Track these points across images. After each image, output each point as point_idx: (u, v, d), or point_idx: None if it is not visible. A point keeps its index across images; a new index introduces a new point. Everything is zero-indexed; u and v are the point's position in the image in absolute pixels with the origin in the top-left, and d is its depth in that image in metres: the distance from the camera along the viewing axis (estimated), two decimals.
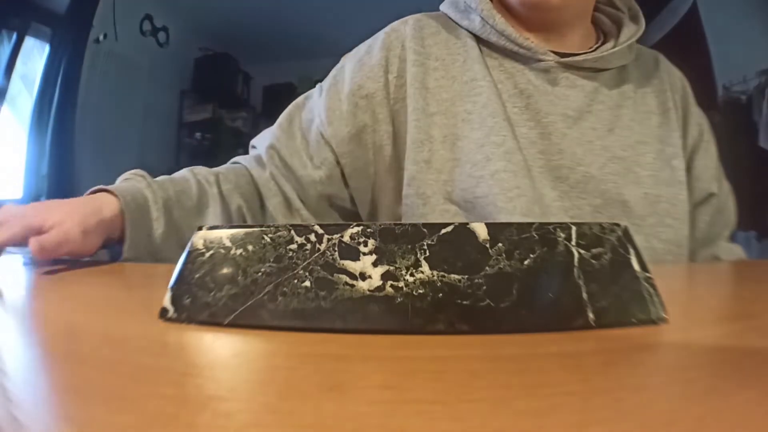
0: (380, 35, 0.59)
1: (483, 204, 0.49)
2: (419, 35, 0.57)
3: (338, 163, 0.57)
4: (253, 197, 0.58)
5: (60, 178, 2.35)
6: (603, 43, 0.59)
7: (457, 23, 0.59)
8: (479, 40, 0.57)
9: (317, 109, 0.58)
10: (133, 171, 0.52)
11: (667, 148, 0.55)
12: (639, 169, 0.52)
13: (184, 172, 0.56)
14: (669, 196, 0.52)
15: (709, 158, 0.59)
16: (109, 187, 0.47)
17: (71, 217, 0.42)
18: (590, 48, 0.58)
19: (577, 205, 0.51)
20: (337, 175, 0.57)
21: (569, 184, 0.51)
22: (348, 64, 0.59)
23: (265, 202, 0.58)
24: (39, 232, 0.41)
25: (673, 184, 0.53)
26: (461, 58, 0.56)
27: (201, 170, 0.56)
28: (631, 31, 0.58)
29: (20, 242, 0.41)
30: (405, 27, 0.58)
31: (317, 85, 0.62)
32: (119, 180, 0.52)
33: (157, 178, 0.52)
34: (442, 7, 0.62)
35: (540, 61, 0.54)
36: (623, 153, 0.53)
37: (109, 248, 0.47)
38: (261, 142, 0.61)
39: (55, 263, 0.41)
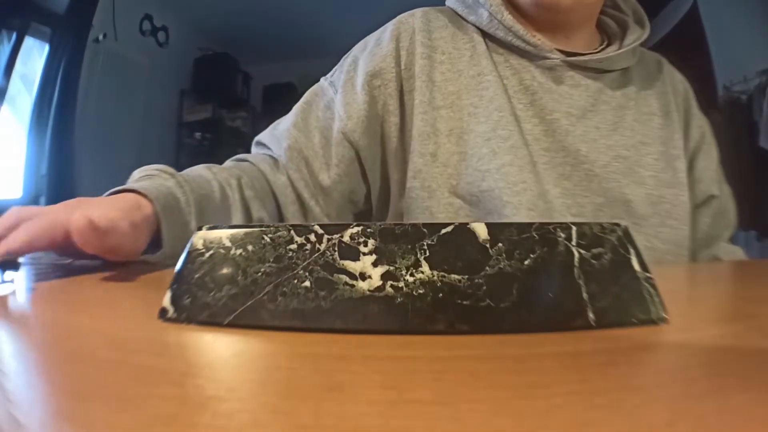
0: (389, 26, 0.59)
1: (488, 198, 0.50)
2: (427, 28, 0.57)
3: (358, 157, 0.56)
4: (272, 205, 0.55)
5: (59, 177, 2.36)
6: (607, 46, 0.59)
7: (463, 18, 0.59)
8: (485, 36, 0.57)
9: (336, 106, 0.57)
10: (156, 166, 0.46)
11: (669, 149, 0.55)
12: (641, 170, 0.53)
13: (202, 172, 0.50)
14: (671, 196, 0.53)
15: (710, 161, 0.60)
16: (134, 186, 0.40)
17: (112, 210, 0.34)
18: (594, 49, 0.58)
19: (580, 203, 0.51)
20: (356, 171, 0.57)
21: (573, 182, 0.52)
22: (360, 57, 0.58)
23: (281, 210, 0.56)
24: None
25: (675, 185, 0.54)
26: (468, 53, 0.56)
27: (220, 172, 0.51)
28: (636, 34, 0.58)
29: (47, 244, 0.33)
30: (413, 19, 0.58)
31: (325, 81, 0.60)
32: (137, 174, 0.46)
33: (181, 175, 0.47)
34: (448, 2, 0.62)
35: (546, 58, 0.55)
36: (626, 153, 0.53)
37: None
38: (273, 141, 0.58)
39: (55, 263, 0.41)
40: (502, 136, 0.51)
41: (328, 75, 0.61)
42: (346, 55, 0.61)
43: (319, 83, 0.61)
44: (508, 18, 0.55)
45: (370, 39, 0.60)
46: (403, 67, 0.56)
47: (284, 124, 0.59)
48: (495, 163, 0.50)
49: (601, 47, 0.59)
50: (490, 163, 0.50)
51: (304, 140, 0.56)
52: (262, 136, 0.61)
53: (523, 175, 0.49)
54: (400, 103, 0.55)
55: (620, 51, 0.56)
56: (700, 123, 0.61)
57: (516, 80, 0.55)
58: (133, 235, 0.35)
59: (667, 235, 0.52)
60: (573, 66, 0.55)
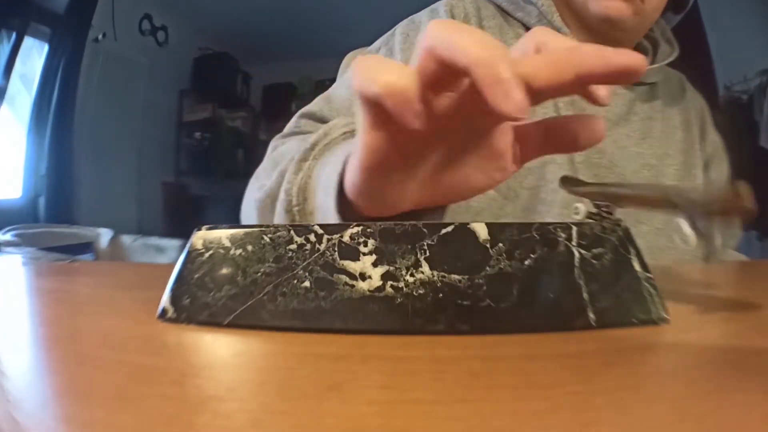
0: (439, 6, 0.58)
1: (527, 195, 0.50)
2: (478, 15, 0.57)
3: None
4: None
5: (59, 177, 2.36)
6: None
7: (508, 13, 0.59)
8: None
9: None
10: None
11: (689, 159, 0.59)
12: (665, 179, 0.56)
13: None
14: None
15: (720, 173, 0.63)
16: None
17: None
18: None
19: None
20: None
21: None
22: (411, 34, 0.55)
23: None
24: None
25: None
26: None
27: None
28: (667, 52, 0.61)
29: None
30: (464, 3, 0.57)
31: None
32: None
33: None
34: None
35: None
36: (653, 162, 0.56)
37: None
38: (334, 113, 0.53)
39: (56, 263, 0.41)
40: None
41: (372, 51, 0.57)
42: (389, 34, 0.58)
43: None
44: (557, 20, 0.55)
45: (422, 16, 0.57)
46: None
47: (340, 98, 0.54)
48: (539, 160, 0.50)
49: None
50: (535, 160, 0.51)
51: None
52: (320, 109, 0.54)
53: (562, 173, 0.50)
54: None
55: (656, 66, 0.58)
56: (715, 138, 0.65)
57: None
58: None
59: None
60: None
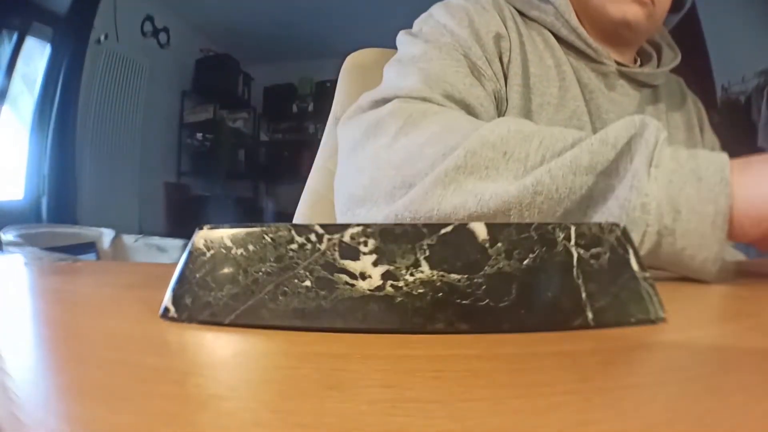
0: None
1: None
2: (508, 6, 0.58)
3: None
4: None
5: (61, 178, 2.36)
6: (641, 63, 0.64)
7: (523, 13, 0.59)
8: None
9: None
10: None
11: None
12: None
13: None
14: None
15: None
16: None
17: None
18: (633, 65, 0.62)
19: None
20: None
21: None
22: (455, 22, 0.53)
23: None
24: None
25: None
26: (541, 44, 0.57)
27: None
28: (670, 56, 0.63)
29: None
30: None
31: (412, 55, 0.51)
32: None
33: None
34: None
35: (602, 64, 0.57)
36: None
37: None
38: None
39: (56, 263, 0.41)
40: (578, 127, 0.52)
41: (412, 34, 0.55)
42: (426, 15, 0.57)
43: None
44: (573, 19, 0.56)
45: (468, 6, 0.55)
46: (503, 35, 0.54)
47: (436, 71, 0.49)
48: None
49: (638, 64, 0.64)
50: None
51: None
52: (426, 90, 0.47)
53: None
54: (502, 71, 0.54)
55: (663, 69, 0.60)
56: (712, 139, 0.67)
57: (575, 78, 0.56)
58: None
59: None
60: (622, 75, 0.58)
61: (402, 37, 0.57)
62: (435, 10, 0.57)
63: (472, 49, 0.52)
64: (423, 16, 0.58)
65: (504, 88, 0.53)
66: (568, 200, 0.33)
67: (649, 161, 0.31)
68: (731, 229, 0.30)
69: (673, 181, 0.31)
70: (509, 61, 0.54)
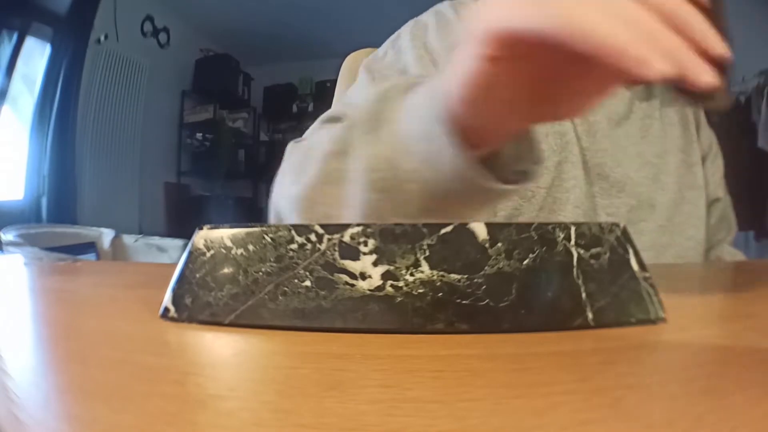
0: (443, 8, 0.57)
1: (543, 194, 0.51)
2: None
3: None
4: None
5: (61, 178, 2.36)
6: None
7: None
8: None
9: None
10: None
11: (688, 156, 0.60)
12: (665, 177, 0.56)
13: None
14: (693, 198, 0.57)
15: (716, 168, 0.65)
16: None
17: None
18: None
19: (615, 203, 0.53)
20: None
21: (609, 183, 0.54)
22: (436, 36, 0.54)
23: None
24: None
25: (695, 188, 0.58)
26: None
27: None
28: None
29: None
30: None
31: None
32: None
33: None
34: None
35: None
36: (653, 160, 0.56)
37: None
38: None
39: (56, 263, 0.41)
40: (560, 132, 0.52)
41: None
42: (395, 36, 0.58)
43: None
44: None
45: (427, 17, 0.56)
46: None
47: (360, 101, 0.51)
48: (553, 160, 0.51)
49: None
50: (549, 159, 0.51)
51: None
52: (344, 113, 0.50)
53: (575, 172, 0.51)
54: None
55: None
56: (709, 134, 0.66)
57: None
58: None
59: (690, 233, 0.56)
60: None
61: (361, 71, 0.56)
62: (403, 29, 0.57)
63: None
64: (392, 37, 0.58)
65: None
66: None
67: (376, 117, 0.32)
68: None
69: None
70: None
